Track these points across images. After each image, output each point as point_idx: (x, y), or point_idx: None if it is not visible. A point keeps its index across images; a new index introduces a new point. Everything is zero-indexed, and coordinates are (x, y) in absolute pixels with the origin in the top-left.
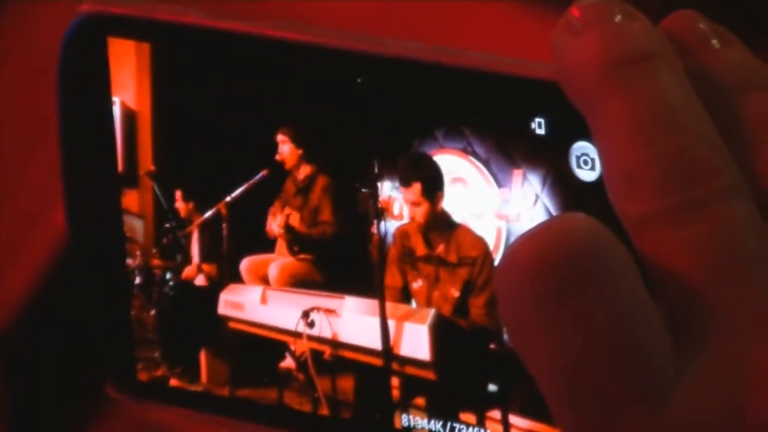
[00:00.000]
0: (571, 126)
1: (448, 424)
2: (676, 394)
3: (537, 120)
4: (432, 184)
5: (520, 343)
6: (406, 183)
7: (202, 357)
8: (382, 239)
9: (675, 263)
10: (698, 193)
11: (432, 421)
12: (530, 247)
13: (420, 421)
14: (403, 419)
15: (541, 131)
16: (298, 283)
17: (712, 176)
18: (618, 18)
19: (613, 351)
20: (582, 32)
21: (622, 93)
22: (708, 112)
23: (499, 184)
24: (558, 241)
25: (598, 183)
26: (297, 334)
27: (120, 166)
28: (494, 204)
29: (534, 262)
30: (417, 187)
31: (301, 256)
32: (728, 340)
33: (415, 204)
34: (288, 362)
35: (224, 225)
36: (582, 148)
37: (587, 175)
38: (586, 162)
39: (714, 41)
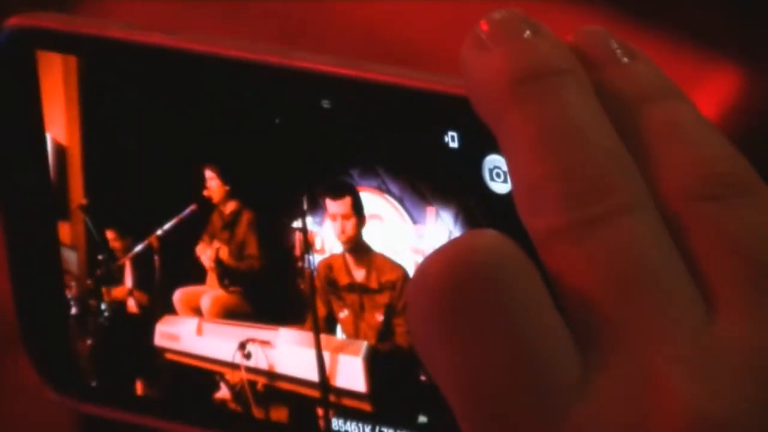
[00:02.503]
0: (483, 139)
1: None
2: (578, 411)
3: (450, 134)
4: (360, 201)
5: (427, 360)
6: (337, 195)
7: (138, 387)
8: (312, 272)
9: (578, 278)
10: (599, 209)
11: None
12: (436, 264)
13: None
14: None
15: (454, 145)
16: (230, 314)
17: (613, 191)
18: (527, 34)
19: (514, 368)
20: (490, 47)
21: (526, 108)
22: (615, 126)
23: (414, 221)
24: (463, 258)
25: (511, 196)
26: (234, 366)
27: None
28: (410, 239)
29: (439, 278)
30: (348, 200)
31: (232, 288)
32: (628, 355)
33: (345, 217)
34: (223, 393)
35: (156, 257)
36: (495, 161)
37: (500, 187)
38: (499, 175)
39: (621, 57)
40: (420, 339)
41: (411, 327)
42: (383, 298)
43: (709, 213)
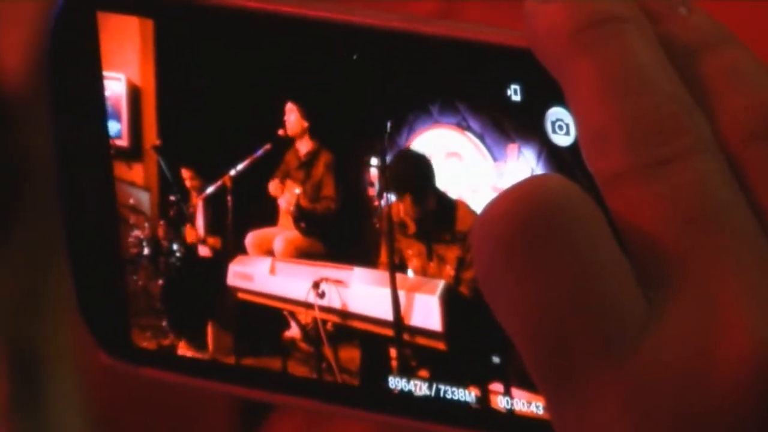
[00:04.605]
0: (545, 92)
1: (455, 390)
2: (646, 343)
3: (513, 87)
4: (422, 192)
5: (493, 298)
6: (397, 195)
7: (209, 327)
8: (389, 211)
9: (645, 217)
10: (667, 150)
11: (437, 386)
12: (503, 204)
13: (425, 388)
14: (409, 385)
15: (516, 98)
16: (303, 255)
17: (680, 133)
18: None
19: (581, 302)
20: None
21: (592, 53)
22: (677, 73)
23: (495, 158)
24: (529, 198)
25: (574, 148)
26: (308, 305)
27: (126, 141)
28: (491, 178)
29: (506, 217)
30: (408, 199)
31: (307, 230)
32: (696, 287)
33: (406, 214)
34: (293, 332)
35: (229, 198)
36: (557, 113)
37: (562, 140)
38: (561, 127)
39: (679, 9)
40: (486, 276)
41: (475, 264)
42: (455, 249)
43: (765, 151)
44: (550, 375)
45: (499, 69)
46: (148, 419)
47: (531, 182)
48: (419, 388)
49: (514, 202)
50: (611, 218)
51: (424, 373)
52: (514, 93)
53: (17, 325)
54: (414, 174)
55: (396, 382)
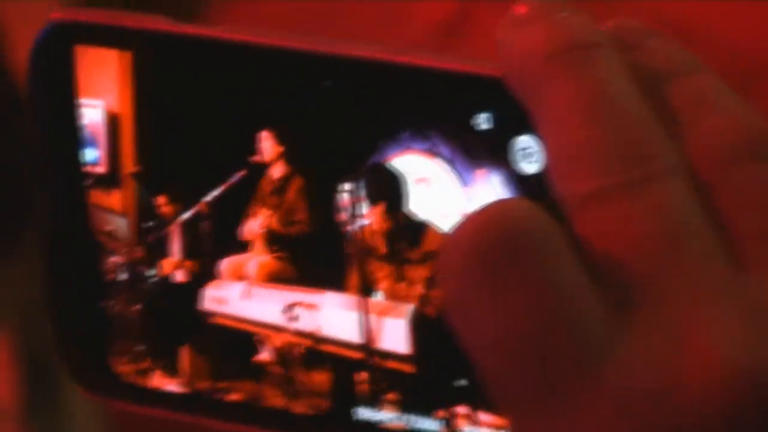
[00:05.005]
0: (514, 120)
1: (420, 419)
2: (612, 365)
3: (482, 115)
4: (396, 202)
5: (457, 319)
6: (371, 204)
7: (184, 352)
8: (360, 236)
9: (612, 241)
10: (636, 174)
11: (404, 416)
12: (469, 227)
13: (393, 416)
14: (376, 414)
15: (486, 126)
16: (275, 280)
17: (649, 157)
18: (563, 12)
19: (547, 323)
20: (527, 25)
21: (566, 77)
22: (648, 99)
23: (464, 184)
24: (495, 220)
25: (540, 175)
26: (281, 329)
27: (104, 168)
28: (459, 203)
29: (472, 240)
30: (381, 208)
31: (279, 254)
32: (660, 309)
33: (378, 226)
34: (266, 356)
35: (205, 223)
36: (525, 141)
37: (530, 167)
38: (528, 155)
39: (648, 38)
40: (451, 298)
41: (442, 287)
42: (425, 269)
43: (739, 174)
44: (519, 396)
45: (469, 97)
46: (164, 425)
47: (496, 205)
48: (387, 416)
49: (480, 224)
50: (576, 240)
51: (392, 396)
52: (484, 121)
53: (33, 329)
54: (388, 184)
55: (364, 412)
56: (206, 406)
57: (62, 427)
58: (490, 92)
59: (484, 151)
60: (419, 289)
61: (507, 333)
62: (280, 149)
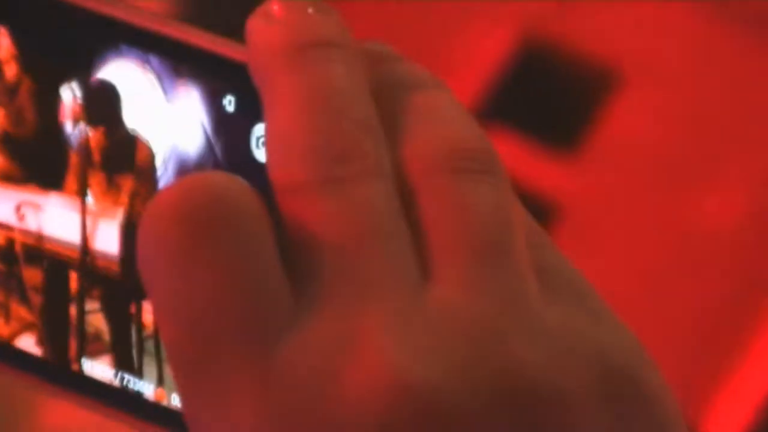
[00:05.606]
0: (256, 107)
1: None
2: (283, 350)
3: (228, 98)
4: (114, 126)
5: (150, 286)
6: (92, 127)
7: None
8: (85, 141)
9: (309, 231)
10: (341, 170)
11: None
12: (172, 195)
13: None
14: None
15: (230, 109)
16: (6, 179)
17: (357, 157)
18: (310, 10)
19: (225, 300)
20: (274, 19)
21: (294, 70)
22: (379, 109)
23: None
24: (196, 189)
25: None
26: (8, 227)
27: None
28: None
29: (171, 208)
30: (101, 130)
31: (7, 153)
32: (338, 308)
33: (97, 145)
34: None
35: None
36: (262, 129)
37: (262, 155)
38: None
39: (393, 56)
40: (145, 263)
41: (139, 251)
42: (129, 181)
43: (446, 185)
44: (187, 367)
45: (217, 79)
46: None
47: (202, 176)
48: (92, 308)
49: (183, 192)
50: (280, 225)
51: (96, 292)
52: (229, 104)
53: None
54: (109, 108)
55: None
56: None
57: None
58: (238, 77)
59: (227, 134)
60: (125, 197)
61: (187, 307)
62: (13, 49)
